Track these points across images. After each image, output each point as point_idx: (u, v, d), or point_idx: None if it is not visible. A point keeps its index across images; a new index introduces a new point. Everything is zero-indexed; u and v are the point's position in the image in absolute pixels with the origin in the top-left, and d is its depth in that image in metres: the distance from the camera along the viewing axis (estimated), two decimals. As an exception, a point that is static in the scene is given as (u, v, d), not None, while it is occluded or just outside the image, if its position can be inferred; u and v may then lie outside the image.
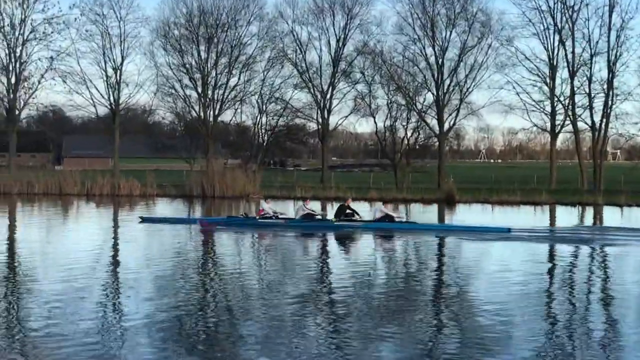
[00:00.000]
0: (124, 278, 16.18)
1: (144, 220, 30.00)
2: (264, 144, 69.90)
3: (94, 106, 62.91)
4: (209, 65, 63.43)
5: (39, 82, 61.46)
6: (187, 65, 63.57)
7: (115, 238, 25.79)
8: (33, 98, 62.32)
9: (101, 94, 62.86)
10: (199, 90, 63.68)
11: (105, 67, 61.78)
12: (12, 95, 61.16)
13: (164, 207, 40.83)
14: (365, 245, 23.63)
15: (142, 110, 75.90)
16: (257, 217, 28.19)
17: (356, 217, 27.70)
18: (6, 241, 23.94)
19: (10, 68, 60.95)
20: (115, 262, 19.19)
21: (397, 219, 27.35)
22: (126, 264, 18.64)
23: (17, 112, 62.45)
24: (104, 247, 22.56)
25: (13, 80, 61.06)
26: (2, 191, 51.06)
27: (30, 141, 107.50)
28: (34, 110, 68.06)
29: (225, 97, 64.29)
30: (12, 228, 28.31)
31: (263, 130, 68.95)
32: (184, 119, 72.54)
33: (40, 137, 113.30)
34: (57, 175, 54.69)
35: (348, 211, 27.87)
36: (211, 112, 64.13)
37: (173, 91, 64.67)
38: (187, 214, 36.48)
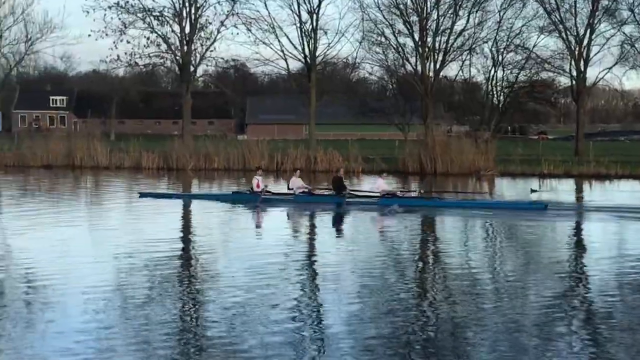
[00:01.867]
0: (322, 274, 16.58)
1: (142, 195, 33.49)
2: (500, 105, 68.82)
3: (285, 60, 64.56)
4: (428, 5, 63.25)
5: (218, 31, 64.14)
6: (401, 5, 63.69)
7: (312, 225, 26.43)
8: (211, 51, 65.19)
9: (293, 45, 64.25)
10: (416, 37, 63.68)
11: (299, 11, 63.05)
12: (185, 48, 64.25)
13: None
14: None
15: (344, 64, 77.04)
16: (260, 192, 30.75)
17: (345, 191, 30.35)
18: (180, 231, 25.32)
19: (184, 14, 64.04)
20: (310, 255, 19.73)
21: (406, 195, 31.09)
22: (323, 256, 19.15)
23: (192, 68, 65.63)
24: (297, 235, 23.23)
25: (187, 30, 64.10)
26: (175, 166, 54.02)
27: (207, 105, 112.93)
28: (212, 67, 71.09)
29: (449, 45, 63.87)
30: (187, 214, 29.72)
31: (498, 88, 67.90)
32: (395, 75, 72.92)
33: (220, 99, 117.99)
34: (241, 146, 56.94)
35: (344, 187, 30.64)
36: (431, 66, 63.94)
37: (383, 39, 65.07)
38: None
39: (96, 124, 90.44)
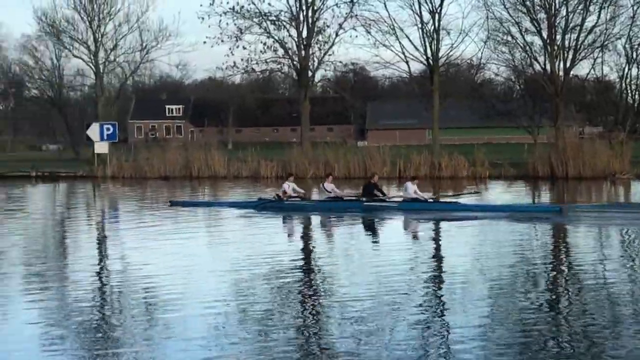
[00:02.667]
0: (450, 285, 16.59)
1: (172, 204, 34.79)
2: (635, 104, 67.38)
3: (406, 62, 64.51)
4: (557, 1, 62.33)
5: (337, 34, 64.60)
6: (528, 2, 62.90)
7: (437, 231, 26.43)
8: (329, 55, 65.72)
9: (415, 46, 64.17)
10: (544, 35, 62.83)
11: (420, 11, 62.91)
12: (303, 53, 64.90)
13: (496, 192, 41.16)
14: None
15: (468, 65, 76.50)
16: (285, 199, 32.10)
17: (384, 197, 31.72)
18: (298, 242, 25.63)
19: (301, 18, 64.72)
20: (435, 264, 19.76)
21: (430, 200, 31.64)
22: (450, 264, 19.15)
23: (309, 73, 66.23)
24: (422, 244, 23.25)
25: (305, 33, 64.76)
26: (295, 173, 54.53)
27: (326, 111, 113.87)
28: (331, 71, 71.55)
29: (579, 43, 62.79)
30: (306, 226, 30.03)
31: (633, 87, 66.55)
32: (523, 75, 72.13)
33: (339, 105, 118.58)
34: (361, 152, 57.15)
35: (376, 191, 31.65)
36: (561, 64, 63.03)
37: (509, 38, 64.41)
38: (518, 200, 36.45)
39: (213, 132, 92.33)
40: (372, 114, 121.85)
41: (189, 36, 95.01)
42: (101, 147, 61.70)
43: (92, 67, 74.94)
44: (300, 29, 64.56)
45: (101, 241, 25.51)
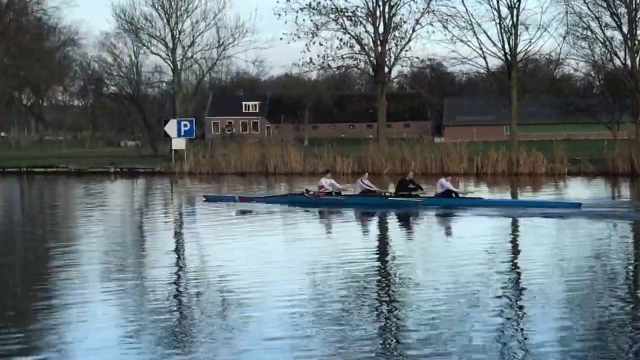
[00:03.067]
0: (528, 283, 16.39)
1: (207, 199, 35.20)
2: None
3: (484, 58, 64.12)
4: (637, -5, 61.35)
5: (413, 30, 64.55)
6: (609, -4, 62.03)
7: (515, 229, 26.16)
8: (406, 51, 65.65)
9: (492, 42, 63.80)
10: (624, 30, 61.80)
11: (498, 6, 62.45)
12: (380, 49, 64.84)
13: (577, 188, 40.71)
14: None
15: (547, 61, 75.65)
16: (318, 194, 32.97)
17: (418, 192, 32.09)
18: (372, 239, 25.56)
19: (378, 13, 64.65)
20: (513, 261, 19.57)
21: (461, 195, 31.97)
22: (527, 263, 18.92)
23: (386, 69, 66.14)
24: (500, 240, 23.05)
25: (381, 29, 64.69)
26: (370, 170, 54.41)
27: (402, 107, 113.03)
28: (407, 67, 71.46)
29: (661, 36, 61.71)
30: (382, 223, 30.02)
31: None
32: (603, 70, 71.13)
33: (415, 101, 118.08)
34: (438, 149, 56.88)
35: (411, 186, 32.29)
36: (642, 59, 61.99)
37: (588, 33, 63.56)
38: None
39: (289, 129, 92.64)
40: (449, 110, 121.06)
41: (266, 33, 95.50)
42: (178, 143, 62.26)
43: (170, 63, 75.65)
44: (377, 25, 64.56)
45: (178, 237, 25.77)
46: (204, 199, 35.58)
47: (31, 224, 31.43)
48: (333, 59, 65.56)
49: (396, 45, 65.28)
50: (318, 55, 64.82)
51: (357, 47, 65.25)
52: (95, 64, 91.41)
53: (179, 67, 75.32)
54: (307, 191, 33.78)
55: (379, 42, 64.60)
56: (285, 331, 12.58)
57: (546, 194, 38.15)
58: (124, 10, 76.07)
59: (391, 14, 64.41)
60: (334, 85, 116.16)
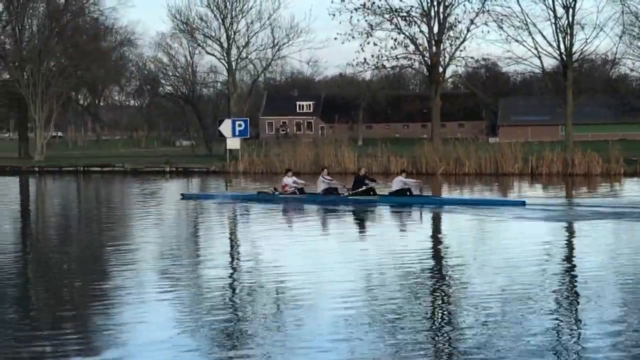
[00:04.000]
0: (581, 282, 16.36)
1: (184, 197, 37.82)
2: None
3: (539, 58, 63.56)
4: (696, -7, 60.63)
5: (468, 30, 64.17)
6: (665, -4, 61.39)
7: (570, 232, 26.01)
8: (460, 51, 65.33)
9: (548, 42, 63.24)
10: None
11: (554, 5, 61.84)
12: (434, 49, 64.68)
13: (633, 189, 40.36)
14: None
15: (603, 60, 75.00)
16: (279, 192, 34.68)
17: (374, 185, 34.04)
18: (427, 240, 25.62)
19: (432, 13, 64.49)
20: (568, 262, 19.48)
21: (415, 193, 33.01)
22: (582, 264, 18.86)
23: (440, 69, 65.95)
24: (554, 242, 22.94)
25: (436, 29, 64.51)
26: (424, 171, 54.44)
27: (457, 107, 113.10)
28: (462, 67, 71.16)
29: None
30: (436, 224, 30.03)
31: None
32: (660, 70, 70.37)
33: (470, 101, 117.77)
34: (493, 149, 56.62)
35: (366, 181, 33.83)
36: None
37: (645, 32, 63.00)
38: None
39: (343, 129, 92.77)
40: (503, 110, 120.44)
41: (320, 33, 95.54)
42: (233, 143, 62.64)
43: (225, 64, 76.18)
44: (431, 25, 64.38)
45: (233, 237, 25.97)
46: (181, 197, 38.10)
47: (87, 221, 31.99)
48: (387, 59, 65.53)
49: (451, 45, 65.13)
50: (372, 55, 64.87)
51: (411, 47, 65.17)
52: (151, 64, 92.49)
53: (233, 67, 75.82)
54: (275, 189, 35.26)
55: (433, 42, 64.43)
56: (339, 333, 12.59)
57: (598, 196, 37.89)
58: (180, 11, 76.84)
59: (446, 14, 64.22)
60: (388, 85, 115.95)
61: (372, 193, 33.67)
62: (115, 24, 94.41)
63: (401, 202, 32.45)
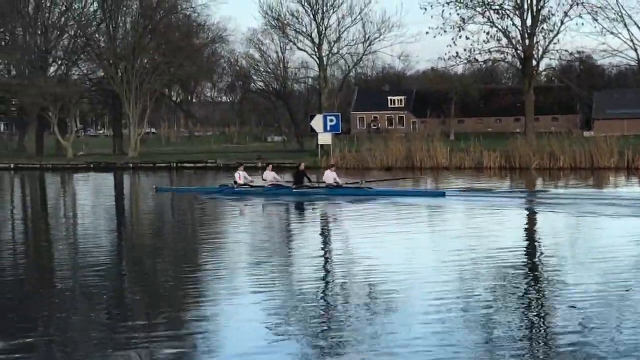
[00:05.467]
0: None
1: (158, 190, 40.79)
2: None
3: (635, 50, 62.65)
4: None
5: (562, 23, 63.37)
6: None
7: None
8: (554, 44, 64.53)
9: (644, 33, 62.31)
10: None
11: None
12: (527, 42, 63.98)
13: None
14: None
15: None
16: (235, 187, 37.24)
17: (312, 182, 37.44)
18: (518, 234, 25.43)
19: (526, 6, 63.79)
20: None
21: (344, 185, 36.64)
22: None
23: (534, 63, 65.22)
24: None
25: (529, 22, 63.82)
26: (517, 165, 53.93)
27: (551, 101, 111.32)
28: (556, 60, 70.36)
29: None
30: (530, 219, 29.71)
31: None
32: None
33: (564, 94, 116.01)
34: (588, 143, 55.81)
35: (305, 177, 36.89)
36: None
37: None
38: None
39: (435, 124, 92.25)
40: (598, 103, 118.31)
41: (412, 27, 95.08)
42: (325, 138, 62.82)
43: (316, 59, 76.42)
44: (525, 18, 63.80)
45: (325, 232, 26.13)
46: (155, 190, 41.03)
47: (180, 215, 32.65)
48: (480, 53, 65.11)
49: (544, 38, 64.41)
50: (465, 49, 64.51)
51: (504, 41, 64.65)
52: (243, 61, 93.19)
53: (325, 62, 76.03)
54: (236, 183, 37.42)
55: (526, 36, 63.79)
56: (432, 331, 12.56)
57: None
58: (271, 7, 77.35)
59: (539, 7, 63.50)
60: (481, 79, 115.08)
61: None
62: (207, 21, 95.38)
63: (340, 193, 35.51)
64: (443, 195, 34.34)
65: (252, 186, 37.44)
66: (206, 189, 40.81)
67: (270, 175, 37.29)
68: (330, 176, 36.36)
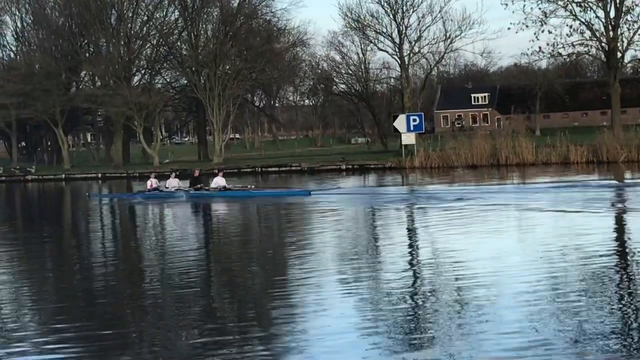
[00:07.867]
0: None
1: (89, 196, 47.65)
2: None
3: None
4: None
5: (645, 14, 62.39)
6: None
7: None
8: (639, 35, 63.59)
9: None
10: None
11: None
12: (611, 34, 63.11)
13: None
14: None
15: None
16: (146, 191, 42.70)
17: (205, 186, 42.11)
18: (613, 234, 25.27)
19: (609, -2, 63.04)
20: None
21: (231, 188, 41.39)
22: None
23: (619, 54, 64.32)
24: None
25: (612, 14, 62.95)
26: (605, 159, 53.31)
27: (638, 92, 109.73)
28: (641, 51, 69.36)
29: None
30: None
31: None
32: None
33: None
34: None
35: (199, 184, 42.05)
36: None
37: None
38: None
39: (520, 119, 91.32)
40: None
41: (493, 23, 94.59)
42: (408, 138, 62.84)
43: (397, 59, 76.25)
44: (608, 10, 62.93)
45: (411, 232, 26.25)
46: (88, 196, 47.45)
47: (265, 218, 33.19)
48: (563, 47, 64.41)
49: (628, 29, 63.41)
50: (547, 44, 63.92)
51: (587, 34, 63.83)
52: (324, 63, 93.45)
53: (406, 62, 75.88)
54: (158, 188, 42.42)
55: (610, 27, 62.90)
56: (521, 327, 12.57)
57: None
58: (351, 9, 77.40)
59: (622, -2, 62.70)
60: (565, 73, 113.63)
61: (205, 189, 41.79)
62: (287, 25, 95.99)
63: (230, 195, 40.10)
64: (308, 194, 39.23)
65: (161, 191, 42.27)
66: (126, 194, 47.82)
67: (174, 182, 42.72)
68: (218, 181, 41.45)
